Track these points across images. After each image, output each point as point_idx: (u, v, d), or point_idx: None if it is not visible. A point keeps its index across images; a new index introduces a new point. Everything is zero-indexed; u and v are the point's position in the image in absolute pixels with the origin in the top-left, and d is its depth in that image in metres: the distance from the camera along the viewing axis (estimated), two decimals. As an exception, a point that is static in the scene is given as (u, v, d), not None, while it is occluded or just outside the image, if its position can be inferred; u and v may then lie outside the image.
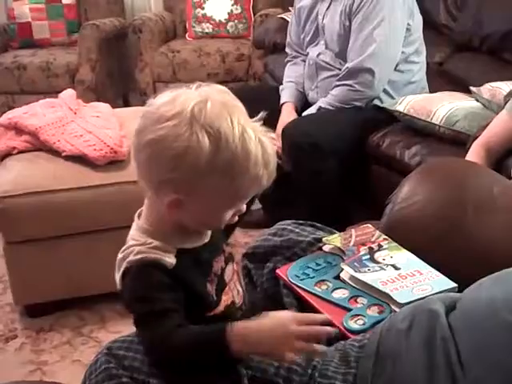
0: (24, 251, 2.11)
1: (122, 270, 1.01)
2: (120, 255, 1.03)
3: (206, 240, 1.06)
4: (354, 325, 1.10)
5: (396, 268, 1.21)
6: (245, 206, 1.05)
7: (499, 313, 0.89)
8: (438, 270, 1.19)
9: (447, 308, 0.98)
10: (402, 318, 1.00)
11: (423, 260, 1.22)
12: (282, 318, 0.93)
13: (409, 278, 1.17)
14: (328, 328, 0.92)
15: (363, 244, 1.28)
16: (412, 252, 1.25)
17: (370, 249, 1.27)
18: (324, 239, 1.31)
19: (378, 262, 1.23)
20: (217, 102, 0.96)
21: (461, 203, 1.30)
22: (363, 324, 1.10)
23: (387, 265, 1.22)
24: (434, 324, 0.95)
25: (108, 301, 2.21)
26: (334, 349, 1.03)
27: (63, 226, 2.09)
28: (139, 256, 1.00)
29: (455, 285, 1.15)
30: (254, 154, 0.96)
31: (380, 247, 1.27)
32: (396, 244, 1.28)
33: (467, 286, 1.04)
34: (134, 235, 1.04)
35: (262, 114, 1.04)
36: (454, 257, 1.24)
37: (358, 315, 1.12)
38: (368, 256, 1.25)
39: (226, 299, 1.06)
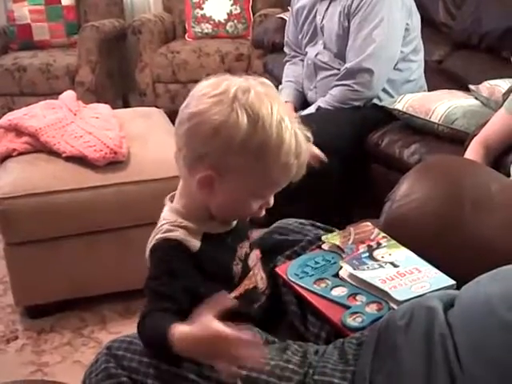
0: (24, 252, 2.11)
1: (150, 246, 1.06)
2: (152, 234, 1.07)
3: (232, 227, 1.10)
4: (353, 322, 1.10)
5: (395, 266, 1.21)
6: (272, 200, 1.08)
7: (496, 310, 0.90)
8: (437, 267, 1.19)
9: (445, 305, 0.99)
10: (401, 316, 1.00)
11: (422, 257, 1.22)
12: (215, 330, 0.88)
13: (407, 276, 1.18)
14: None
15: (362, 242, 1.29)
16: (411, 249, 1.25)
17: (369, 247, 1.27)
18: (323, 237, 1.32)
19: (376, 260, 1.23)
20: (259, 92, 1.01)
21: (459, 201, 1.30)
22: (362, 321, 1.10)
23: (386, 262, 1.22)
24: (432, 321, 0.95)
25: (109, 301, 2.22)
26: (332, 346, 1.03)
27: (64, 227, 2.10)
28: (167, 234, 1.04)
29: (454, 282, 1.15)
30: (287, 143, 1.00)
31: (379, 245, 1.27)
32: (395, 242, 1.28)
33: (465, 283, 1.04)
34: (166, 215, 1.09)
35: (300, 113, 1.07)
36: (452, 254, 1.24)
37: (357, 313, 1.12)
38: (367, 254, 1.25)
39: (247, 283, 1.10)
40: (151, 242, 1.06)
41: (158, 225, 1.08)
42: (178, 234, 1.04)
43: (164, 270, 1.02)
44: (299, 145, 1.02)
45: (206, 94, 1.01)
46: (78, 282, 2.17)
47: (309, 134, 1.07)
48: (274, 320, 1.22)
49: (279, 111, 1.00)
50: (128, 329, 1.08)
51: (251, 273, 1.12)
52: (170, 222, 1.06)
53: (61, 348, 2.06)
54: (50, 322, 2.19)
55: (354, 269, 1.21)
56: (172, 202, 1.11)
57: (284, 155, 1.00)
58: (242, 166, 1.00)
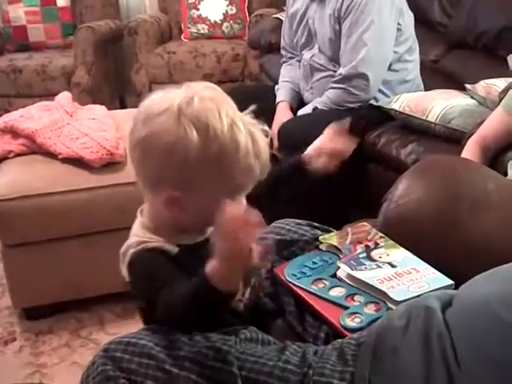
0: (22, 254, 2.11)
1: (126, 261, 1.04)
2: (122, 249, 1.06)
3: (207, 234, 1.07)
4: (351, 323, 1.10)
5: (392, 266, 1.21)
6: (245, 202, 1.06)
7: (494, 310, 0.90)
8: (435, 267, 1.19)
9: (443, 305, 0.98)
10: (399, 316, 1.00)
11: (419, 257, 1.22)
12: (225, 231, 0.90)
13: (405, 276, 1.18)
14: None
15: (360, 242, 1.29)
16: (408, 250, 1.25)
17: (367, 247, 1.27)
18: (321, 238, 1.32)
19: (374, 260, 1.23)
20: (204, 97, 0.99)
21: (456, 201, 1.31)
22: (360, 322, 1.10)
23: (384, 263, 1.22)
24: (430, 321, 0.95)
25: (106, 303, 2.22)
26: (331, 347, 1.03)
27: (61, 229, 2.10)
28: (141, 246, 1.03)
29: (452, 282, 1.15)
30: (243, 145, 0.98)
31: (376, 245, 1.27)
32: (392, 242, 1.28)
33: (463, 282, 1.04)
34: (136, 231, 1.07)
35: (252, 107, 1.05)
36: (450, 254, 1.25)
37: (355, 313, 1.12)
38: (365, 254, 1.25)
39: None
40: (126, 259, 1.04)
41: (128, 240, 1.06)
42: (153, 243, 1.03)
43: (154, 267, 1.01)
44: (256, 144, 1.01)
45: (150, 115, 0.99)
46: (76, 284, 2.17)
47: (266, 128, 1.05)
48: (272, 321, 1.22)
49: (228, 114, 0.98)
50: (126, 330, 1.07)
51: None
52: (140, 238, 1.05)
53: (59, 349, 2.06)
54: (48, 324, 2.19)
55: (352, 269, 1.21)
56: (142, 215, 1.09)
57: (243, 158, 0.99)
58: (204, 178, 0.99)
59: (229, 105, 1.02)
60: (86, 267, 2.15)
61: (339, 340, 1.05)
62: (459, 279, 1.09)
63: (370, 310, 1.13)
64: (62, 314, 2.22)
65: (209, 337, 1.01)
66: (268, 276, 1.28)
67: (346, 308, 1.14)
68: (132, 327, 1.01)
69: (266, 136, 1.05)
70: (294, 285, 1.21)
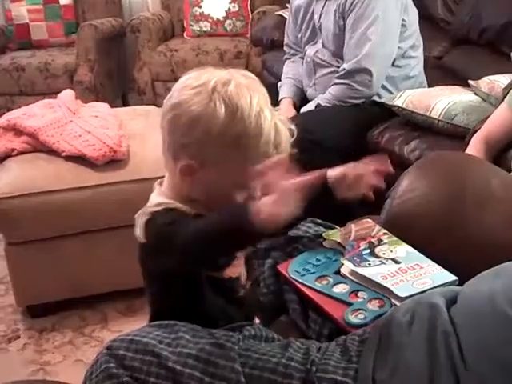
0: (25, 252, 2.11)
1: (144, 220, 1.04)
2: (137, 214, 1.07)
3: None
4: (355, 319, 1.10)
5: (396, 262, 1.21)
6: (258, 192, 1.06)
7: (499, 306, 0.89)
8: (438, 263, 1.19)
9: (448, 301, 0.98)
10: (403, 312, 1.00)
11: (423, 254, 1.22)
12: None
13: (409, 272, 1.17)
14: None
15: (363, 239, 1.28)
16: (412, 246, 1.25)
17: (370, 243, 1.27)
18: (324, 234, 1.31)
19: (378, 257, 1.23)
20: (240, 83, 1.03)
21: (460, 197, 1.30)
22: (364, 318, 1.10)
23: (387, 259, 1.22)
24: (435, 318, 0.95)
25: (110, 300, 2.23)
26: (334, 343, 1.03)
27: (64, 226, 2.10)
28: (161, 206, 1.05)
29: (455, 278, 1.15)
30: (266, 133, 1.01)
31: (380, 241, 1.27)
32: (396, 238, 1.28)
33: (468, 278, 1.04)
34: (154, 198, 1.09)
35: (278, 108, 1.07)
36: (453, 250, 1.24)
37: (359, 309, 1.12)
38: (368, 250, 1.25)
39: (233, 271, 1.10)
40: (143, 218, 1.05)
41: (144, 207, 1.07)
42: (173, 204, 1.05)
43: (175, 220, 1.01)
44: (279, 135, 1.04)
45: (187, 86, 1.04)
46: (79, 281, 2.17)
47: (292, 127, 1.07)
48: (276, 317, 1.22)
49: (259, 103, 1.02)
50: (129, 327, 1.08)
51: (237, 261, 1.12)
52: (159, 201, 1.06)
53: (62, 347, 2.06)
54: (52, 321, 2.19)
55: (356, 265, 1.20)
56: (160, 186, 1.12)
57: (263, 145, 1.01)
58: (221, 156, 1.02)
59: (262, 95, 1.05)
60: (89, 265, 2.15)
61: (343, 336, 1.04)
62: (463, 275, 1.09)
63: (373, 306, 1.13)
64: (66, 312, 2.22)
65: (212, 333, 1.01)
66: (271, 273, 1.28)
67: (350, 304, 1.14)
68: (135, 324, 1.01)
69: (292, 136, 1.07)
70: (298, 282, 1.21)
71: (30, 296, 2.18)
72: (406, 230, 1.31)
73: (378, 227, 1.32)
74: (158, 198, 1.09)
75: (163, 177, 1.13)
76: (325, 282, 1.20)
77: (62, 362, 1.99)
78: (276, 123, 1.03)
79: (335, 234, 1.31)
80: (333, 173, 1.14)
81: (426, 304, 0.99)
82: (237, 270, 1.13)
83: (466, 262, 1.16)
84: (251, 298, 1.20)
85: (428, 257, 1.21)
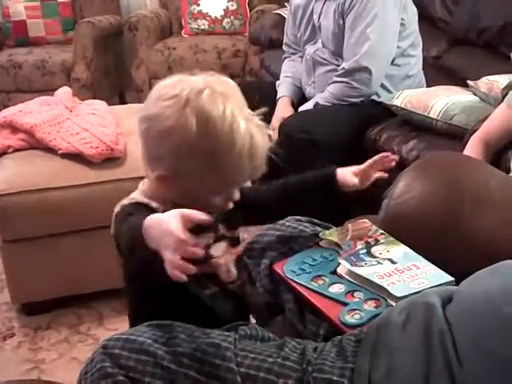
0: (21, 250, 2.10)
1: (114, 213, 1.07)
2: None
3: None
4: (351, 319, 1.09)
5: (393, 262, 1.20)
6: (237, 194, 1.09)
7: (495, 305, 0.89)
8: (435, 263, 1.19)
9: (444, 301, 0.98)
10: (399, 312, 0.99)
11: (420, 254, 1.22)
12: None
13: (406, 272, 1.17)
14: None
15: (360, 238, 1.28)
16: (409, 246, 1.24)
17: (367, 243, 1.26)
18: (321, 234, 1.31)
19: (374, 257, 1.22)
20: (215, 92, 1.01)
21: (458, 198, 1.30)
22: (360, 318, 1.09)
23: (384, 259, 1.21)
24: (430, 317, 0.94)
25: (105, 298, 2.22)
26: (330, 344, 1.02)
27: (60, 224, 2.09)
28: (130, 201, 1.08)
29: (452, 278, 1.15)
30: (239, 146, 1.01)
31: (377, 242, 1.27)
32: (393, 238, 1.27)
33: (464, 279, 1.03)
34: (133, 195, 1.11)
35: (262, 110, 1.06)
36: (450, 250, 1.24)
37: (355, 310, 1.11)
38: (365, 250, 1.24)
39: (205, 267, 1.07)
40: (114, 211, 1.08)
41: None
42: (143, 200, 1.07)
43: (131, 212, 1.03)
44: (254, 146, 1.03)
45: (160, 97, 1.03)
46: (75, 279, 2.16)
47: (270, 132, 1.08)
48: (272, 317, 1.21)
49: (233, 112, 1.01)
50: (125, 325, 1.07)
51: (213, 261, 1.12)
52: (132, 197, 1.09)
53: (57, 345, 2.06)
54: (47, 319, 2.18)
55: (352, 265, 1.20)
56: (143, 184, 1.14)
57: (236, 158, 1.01)
58: (194, 168, 1.02)
59: (237, 102, 1.04)
60: (85, 263, 2.15)
61: (339, 336, 1.04)
62: (460, 276, 1.09)
63: (369, 306, 1.12)
64: (61, 310, 2.22)
65: (208, 333, 1.01)
66: (267, 273, 1.28)
67: (346, 304, 1.13)
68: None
69: (269, 139, 1.07)
70: (294, 281, 1.20)
71: (25, 294, 2.18)
72: (403, 230, 1.31)
73: (374, 227, 1.32)
74: (135, 194, 1.11)
75: None
76: (321, 282, 1.19)
77: (57, 360, 1.99)
78: (251, 132, 1.02)
79: (332, 234, 1.30)
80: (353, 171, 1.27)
81: (421, 304, 0.98)
82: (210, 266, 1.11)
83: (463, 263, 1.16)
84: (247, 298, 1.19)
85: (424, 257, 1.21)
